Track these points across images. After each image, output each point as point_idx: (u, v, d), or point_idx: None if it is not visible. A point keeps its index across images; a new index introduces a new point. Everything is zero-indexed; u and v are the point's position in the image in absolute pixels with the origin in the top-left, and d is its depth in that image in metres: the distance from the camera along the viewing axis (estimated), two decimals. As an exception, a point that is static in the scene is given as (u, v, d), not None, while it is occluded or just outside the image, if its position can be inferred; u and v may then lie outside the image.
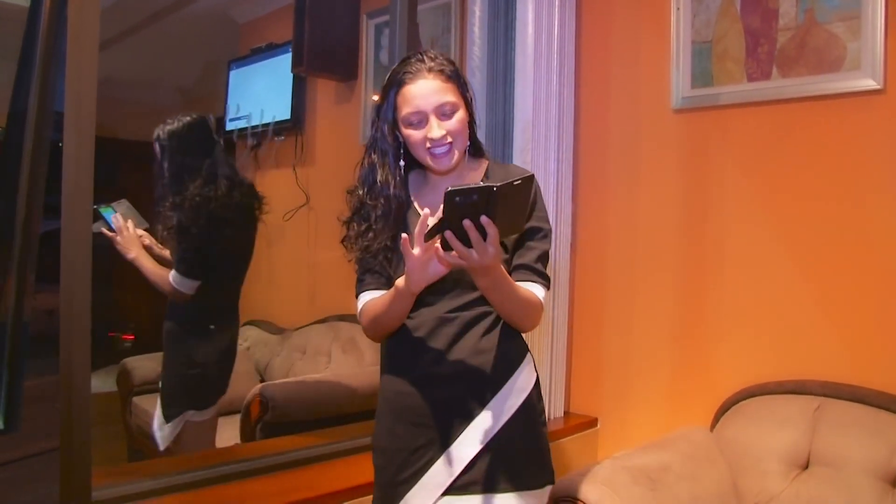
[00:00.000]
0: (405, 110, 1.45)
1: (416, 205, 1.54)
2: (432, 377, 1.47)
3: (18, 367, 1.64)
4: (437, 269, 1.34)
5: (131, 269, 2.42)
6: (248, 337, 3.89)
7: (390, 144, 1.51)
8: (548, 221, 1.54)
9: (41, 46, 1.66)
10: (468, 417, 1.45)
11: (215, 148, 2.49)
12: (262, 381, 3.55)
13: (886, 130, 2.04)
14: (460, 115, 1.46)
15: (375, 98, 1.57)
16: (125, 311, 2.45)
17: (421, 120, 1.44)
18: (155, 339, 2.68)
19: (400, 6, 2.56)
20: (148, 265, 2.41)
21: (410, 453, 1.47)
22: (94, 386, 1.65)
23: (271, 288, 3.99)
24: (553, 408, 2.63)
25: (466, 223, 1.22)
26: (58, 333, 1.56)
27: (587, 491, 1.75)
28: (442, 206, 1.21)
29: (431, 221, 1.27)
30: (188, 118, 2.48)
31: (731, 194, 2.36)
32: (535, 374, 1.56)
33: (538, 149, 2.48)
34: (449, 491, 1.44)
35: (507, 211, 1.24)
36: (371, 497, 1.57)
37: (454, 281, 1.44)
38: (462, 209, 1.21)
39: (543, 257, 1.50)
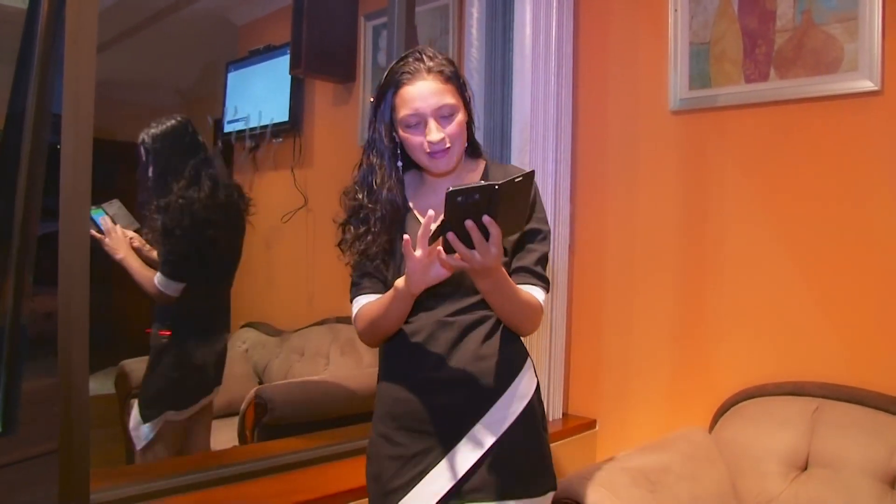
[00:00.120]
0: (403, 112, 1.42)
1: (413, 207, 1.52)
2: (432, 383, 1.44)
3: (17, 370, 1.63)
4: (438, 273, 1.32)
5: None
6: (247, 339, 3.88)
7: (387, 146, 1.48)
8: (547, 223, 1.53)
9: (39, 48, 1.65)
10: (469, 424, 1.42)
11: (200, 150, 2.49)
12: (261, 382, 3.54)
13: (884, 131, 2.05)
14: (459, 117, 1.43)
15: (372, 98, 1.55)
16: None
17: (419, 122, 1.41)
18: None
19: (398, 8, 2.56)
20: (135, 266, 2.42)
21: (406, 460, 1.44)
22: (92, 388, 1.64)
23: (270, 290, 3.99)
24: (552, 409, 2.62)
25: (469, 224, 1.21)
26: (56, 335, 1.56)
27: (586, 493, 1.75)
28: (443, 208, 1.19)
29: (433, 225, 1.26)
30: (172, 121, 2.48)
31: (729, 196, 2.36)
32: (536, 380, 1.53)
33: (536, 150, 2.48)
34: (448, 499, 1.40)
35: (509, 209, 1.23)
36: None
37: (454, 284, 1.42)
38: (464, 209, 1.19)
39: (543, 259, 1.49)
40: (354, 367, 3.30)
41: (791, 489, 1.98)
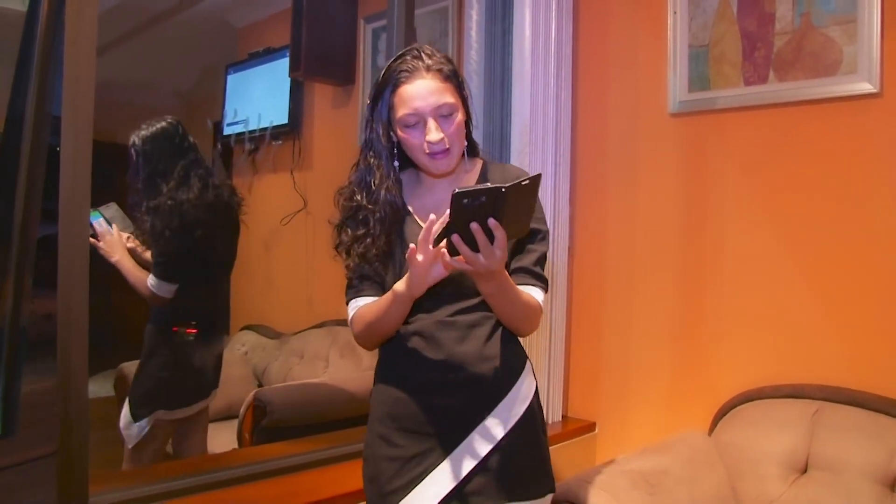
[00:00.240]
0: (402, 111, 1.39)
1: (410, 208, 1.50)
2: (433, 384, 1.42)
3: (16, 372, 1.63)
4: (438, 272, 1.31)
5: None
6: (246, 341, 3.89)
7: (385, 146, 1.45)
8: (545, 222, 1.51)
9: (39, 50, 1.65)
10: (471, 426, 1.41)
11: (190, 151, 2.50)
12: (260, 385, 3.54)
13: (883, 134, 2.05)
14: (458, 117, 1.41)
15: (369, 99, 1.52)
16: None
17: (418, 122, 1.39)
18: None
19: (397, 10, 2.56)
20: (129, 268, 2.43)
21: (405, 462, 1.42)
22: (91, 391, 1.64)
23: (269, 292, 3.99)
24: (551, 412, 2.62)
25: (474, 226, 1.19)
26: (55, 337, 1.56)
27: (586, 496, 1.74)
28: (449, 209, 1.18)
29: (437, 226, 1.25)
30: (162, 123, 2.49)
31: (728, 198, 2.36)
32: (535, 382, 1.53)
33: (536, 152, 2.48)
34: (449, 500, 1.39)
35: (515, 212, 1.22)
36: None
37: (455, 285, 1.40)
38: (469, 211, 1.18)
39: (542, 260, 1.48)
40: (354, 370, 3.29)
41: (791, 492, 1.98)
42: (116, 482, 1.93)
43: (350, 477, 2.02)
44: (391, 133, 1.45)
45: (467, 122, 1.48)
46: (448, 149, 1.41)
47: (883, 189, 2.05)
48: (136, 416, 2.47)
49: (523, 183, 1.19)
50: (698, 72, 2.42)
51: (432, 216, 1.25)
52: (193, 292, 2.50)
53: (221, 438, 2.88)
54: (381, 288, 1.46)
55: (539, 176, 1.22)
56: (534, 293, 1.44)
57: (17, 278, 1.63)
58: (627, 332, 2.61)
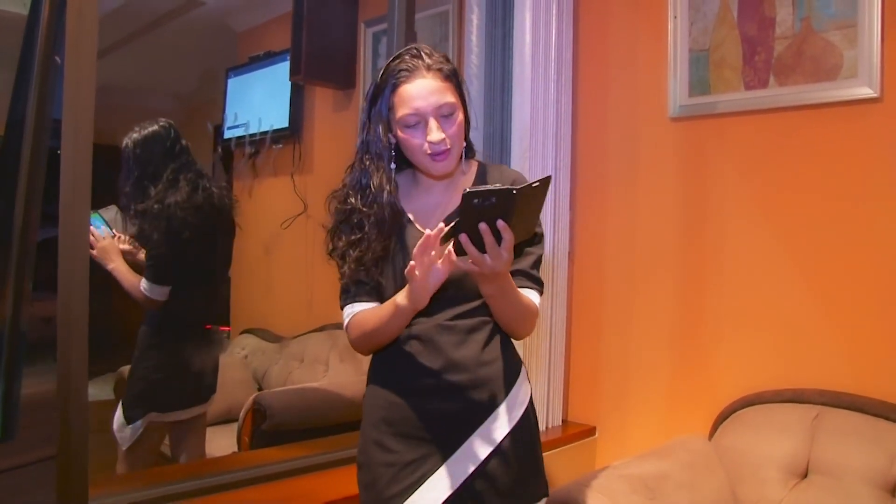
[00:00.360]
0: (402, 111, 1.37)
1: (406, 210, 1.47)
2: (431, 388, 1.41)
3: (16, 375, 1.63)
4: (437, 278, 1.28)
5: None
6: (246, 345, 3.88)
7: (384, 147, 1.42)
8: (541, 225, 1.50)
9: (39, 54, 1.66)
10: (469, 430, 1.40)
11: (182, 154, 2.50)
12: (260, 389, 3.54)
13: (883, 138, 2.05)
14: (459, 117, 1.39)
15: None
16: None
17: (419, 122, 1.37)
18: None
19: (398, 14, 2.56)
20: (123, 273, 2.43)
21: (402, 468, 1.40)
22: (91, 394, 1.64)
23: (269, 296, 3.98)
24: (551, 416, 2.62)
25: (483, 227, 1.19)
26: (55, 341, 1.56)
27: (586, 500, 1.74)
28: (458, 208, 1.18)
29: (434, 233, 1.24)
30: (154, 126, 2.49)
31: (728, 203, 2.36)
32: (530, 386, 1.52)
33: (536, 157, 2.48)
34: None
35: (523, 214, 1.22)
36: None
37: (455, 288, 1.39)
38: (479, 212, 1.17)
39: (538, 262, 1.47)
40: (353, 374, 3.29)
41: (791, 497, 1.97)
42: (116, 485, 1.93)
43: (350, 481, 2.00)
44: (390, 134, 1.42)
45: (466, 122, 1.46)
46: (449, 149, 1.39)
47: (884, 193, 2.05)
48: (129, 419, 2.46)
49: (534, 185, 1.18)
50: (699, 76, 2.42)
51: (441, 224, 1.24)
52: (187, 294, 2.49)
53: (221, 442, 2.88)
54: (377, 293, 1.44)
55: (549, 178, 1.22)
56: (531, 296, 1.44)
57: (17, 281, 1.63)
58: (627, 336, 2.60)
